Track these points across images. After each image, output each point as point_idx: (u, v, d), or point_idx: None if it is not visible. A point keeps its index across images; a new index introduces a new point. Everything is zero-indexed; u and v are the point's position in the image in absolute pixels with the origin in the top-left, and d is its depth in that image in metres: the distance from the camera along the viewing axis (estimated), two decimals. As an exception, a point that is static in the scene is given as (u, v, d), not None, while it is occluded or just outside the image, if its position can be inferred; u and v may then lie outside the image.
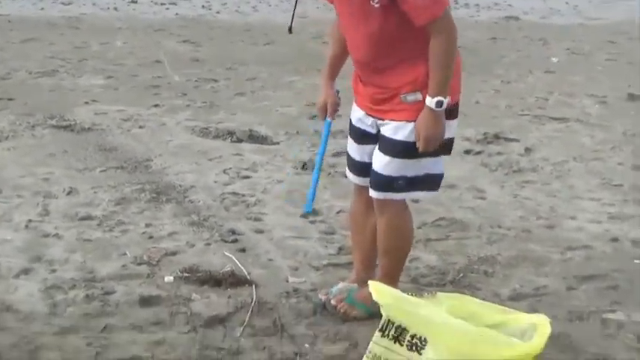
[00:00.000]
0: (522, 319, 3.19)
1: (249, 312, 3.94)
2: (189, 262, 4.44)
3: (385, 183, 3.67)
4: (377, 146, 3.69)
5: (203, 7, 14.16)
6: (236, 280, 4.23)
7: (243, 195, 5.52)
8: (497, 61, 10.27)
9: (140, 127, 7.06)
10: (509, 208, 5.50)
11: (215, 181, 5.77)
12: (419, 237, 4.70)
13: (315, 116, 7.39)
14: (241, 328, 3.80)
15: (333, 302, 3.95)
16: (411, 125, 3.55)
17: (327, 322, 3.88)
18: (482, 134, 6.95)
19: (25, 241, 4.66)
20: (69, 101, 7.80)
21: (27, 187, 5.50)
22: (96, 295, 4.06)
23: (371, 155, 3.75)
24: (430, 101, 3.47)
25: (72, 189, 5.46)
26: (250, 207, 5.32)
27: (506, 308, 3.33)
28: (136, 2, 14.21)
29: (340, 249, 4.68)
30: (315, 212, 5.19)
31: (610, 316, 4.06)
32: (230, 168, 6.06)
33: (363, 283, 3.79)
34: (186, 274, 4.27)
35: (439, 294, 3.25)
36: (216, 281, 4.21)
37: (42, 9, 13.14)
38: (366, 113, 3.74)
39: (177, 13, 13.33)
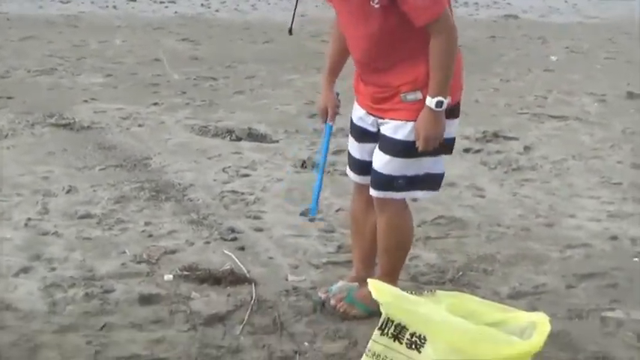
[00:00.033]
0: (522, 317, 3.19)
1: (249, 310, 3.94)
2: (189, 260, 4.43)
3: (385, 182, 3.67)
4: (377, 145, 3.69)
5: (202, 5, 14.17)
6: (235, 279, 4.23)
7: (243, 193, 5.52)
8: (496, 60, 10.28)
9: (139, 125, 7.06)
10: (508, 207, 5.50)
11: (214, 180, 5.77)
12: (418, 235, 4.70)
13: (315, 114, 7.42)
14: (241, 327, 3.80)
15: (332, 302, 3.95)
16: (410, 124, 3.55)
17: (327, 321, 3.88)
18: (481, 133, 6.96)
19: (25, 240, 4.66)
20: (68, 100, 7.80)
21: (26, 185, 5.50)
22: (95, 293, 4.06)
23: (371, 154, 3.75)
24: (430, 101, 3.47)
25: (71, 187, 5.46)
26: (250, 205, 5.32)
27: (506, 306, 3.32)
28: (135, 0, 14.22)
29: (340, 247, 4.68)
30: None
31: (609, 314, 4.06)
32: (229, 166, 6.06)
33: (362, 281, 3.79)
34: (186, 273, 4.27)
35: (438, 292, 3.24)
36: (215, 279, 4.21)
37: (41, 7, 13.15)
38: (367, 112, 3.74)
39: (176, 12, 13.34)
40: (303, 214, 4.34)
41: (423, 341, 3.03)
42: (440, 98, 3.46)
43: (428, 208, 5.17)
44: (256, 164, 6.15)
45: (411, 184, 3.67)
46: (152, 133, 6.86)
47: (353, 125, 3.85)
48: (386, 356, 3.08)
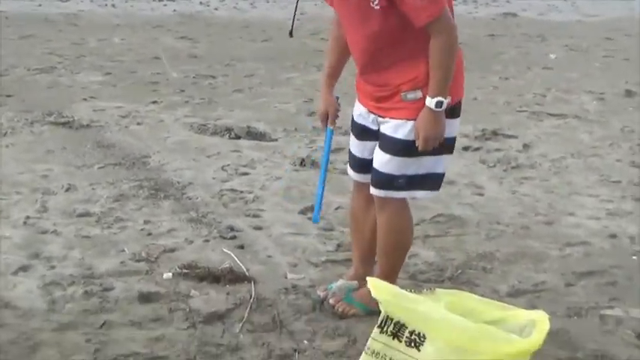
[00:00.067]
0: (521, 315, 3.19)
1: (248, 308, 3.94)
2: (188, 258, 4.43)
3: (386, 181, 3.68)
4: (377, 144, 3.70)
5: (201, 3, 14.17)
6: (235, 277, 4.23)
7: (242, 192, 5.52)
8: (495, 58, 10.28)
9: (138, 123, 7.06)
10: (507, 205, 5.50)
11: (213, 178, 5.77)
12: (417, 233, 4.69)
13: (314, 113, 7.42)
14: (240, 325, 3.80)
15: (331, 301, 3.95)
16: (410, 123, 3.56)
17: (326, 319, 3.88)
18: (480, 130, 6.96)
19: (24, 238, 4.66)
20: (67, 98, 7.80)
21: (25, 183, 5.50)
22: (95, 291, 4.06)
23: (371, 152, 3.75)
24: (430, 101, 3.48)
25: (70, 185, 5.46)
26: (249, 204, 5.32)
27: (505, 304, 3.32)
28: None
29: (339, 245, 4.68)
30: (313, 209, 5.19)
31: (608, 312, 4.07)
32: (228, 165, 6.06)
33: (361, 279, 3.79)
34: (185, 271, 4.27)
35: (438, 290, 3.25)
36: (214, 278, 4.21)
37: (40, 5, 13.14)
38: (368, 110, 3.74)
39: (175, 10, 13.34)
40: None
41: (422, 339, 3.03)
42: (440, 98, 3.46)
43: (427, 206, 5.17)
44: (255, 162, 6.15)
45: (412, 183, 3.67)
46: (151, 131, 6.86)
47: (354, 123, 3.86)
48: (385, 354, 3.08)
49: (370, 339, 3.12)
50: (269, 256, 4.56)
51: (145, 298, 4.01)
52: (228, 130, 6.88)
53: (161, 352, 3.56)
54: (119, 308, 3.92)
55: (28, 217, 4.93)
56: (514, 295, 4.20)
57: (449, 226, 5.08)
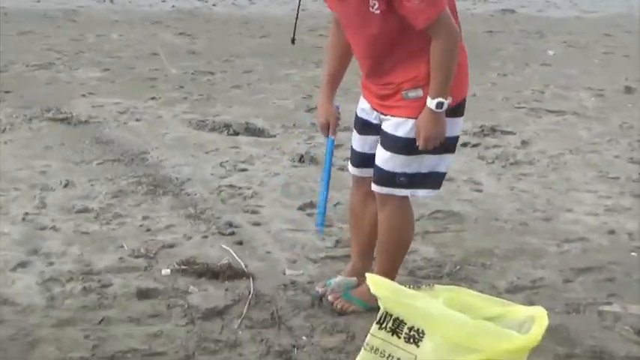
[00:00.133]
0: (520, 311, 3.19)
1: (247, 304, 3.94)
2: (187, 254, 4.44)
3: (387, 178, 3.68)
4: (379, 141, 3.71)
5: (199, -1, 14.16)
6: (233, 273, 4.23)
7: (240, 188, 5.52)
8: (493, 54, 10.28)
9: (137, 119, 7.06)
10: (506, 201, 5.51)
11: (212, 174, 5.77)
12: (416, 229, 4.66)
13: (312, 109, 7.42)
14: (239, 321, 3.80)
15: (330, 298, 3.95)
16: (411, 122, 3.57)
17: (325, 315, 3.88)
18: (478, 127, 6.96)
19: (22, 234, 4.66)
20: (65, 94, 7.79)
21: (24, 179, 5.50)
22: (93, 287, 4.06)
23: (372, 146, 3.78)
24: (430, 102, 3.49)
25: (69, 182, 5.46)
26: (247, 200, 5.32)
27: (504, 301, 3.32)
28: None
29: (337, 242, 4.68)
30: (312, 205, 5.21)
31: (607, 308, 4.07)
32: (227, 161, 6.06)
33: (360, 274, 3.80)
34: (184, 267, 4.27)
35: (437, 286, 3.25)
36: (213, 274, 4.21)
37: (38, 1, 13.11)
38: (372, 107, 3.76)
39: (173, 6, 13.31)
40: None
41: (421, 335, 3.03)
42: (440, 99, 3.48)
43: (426, 203, 5.16)
44: (254, 159, 6.14)
45: (413, 181, 3.68)
46: (149, 127, 6.86)
47: (356, 117, 3.88)
48: (384, 350, 3.08)
49: (369, 335, 3.12)
50: (268, 252, 4.56)
51: (144, 294, 4.02)
52: (227, 126, 6.87)
53: (159, 348, 3.56)
54: (118, 304, 3.92)
55: (26, 214, 4.93)
56: (513, 291, 4.20)
57: (447, 223, 5.08)
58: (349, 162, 4.01)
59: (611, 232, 5.04)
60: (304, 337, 3.69)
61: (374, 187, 3.75)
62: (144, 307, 3.91)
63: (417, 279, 4.25)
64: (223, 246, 4.58)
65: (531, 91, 8.60)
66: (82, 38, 10.48)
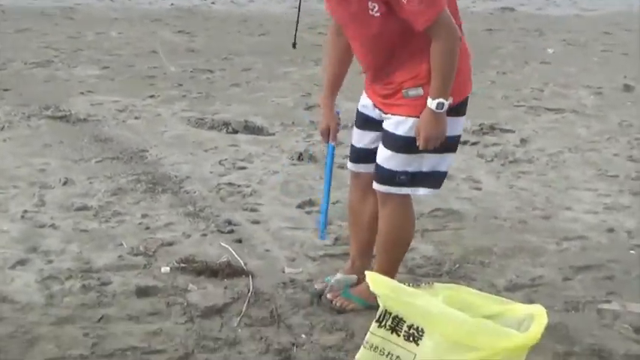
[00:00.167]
0: (519, 309, 3.19)
1: (246, 302, 3.94)
2: (186, 252, 4.43)
3: (387, 176, 3.69)
4: (381, 140, 3.72)
5: (198, -3, 14.14)
6: (232, 271, 4.23)
7: (239, 186, 5.52)
8: (492, 52, 10.28)
9: (136, 117, 7.05)
10: (505, 199, 5.51)
11: (211, 172, 5.77)
12: (415, 227, 4.67)
13: (311, 107, 7.42)
14: (238, 319, 3.80)
15: (328, 296, 3.95)
16: (411, 120, 3.57)
17: (324, 313, 3.88)
18: (478, 125, 6.96)
19: (21, 232, 4.66)
20: (64, 92, 7.79)
21: (23, 177, 5.50)
22: (92, 285, 4.06)
23: (371, 142, 3.80)
24: (431, 102, 3.50)
25: (68, 179, 5.46)
26: (246, 198, 5.32)
27: (503, 299, 3.33)
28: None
29: (336, 239, 4.68)
30: (311, 203, 5.21)
31: (606, 306, 4.07)
32: (226, 159, 6.06)
33: (359, 272, 3.80)
34: (183, 265, 4.27)
35: (436, 284, 3.25)
36: (212, 272, 4.21)
37: (36, -1, 13.11)
38: (374, 105, 3.77)
39: (172, 4, 13.30)
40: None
41: (420, 333, 3.03)
42: (441, 100, 3.48)
43: (425, 201, 5.16)
44: (253, 157, 6.14)
45: (414, 180, 3.68)
46: (148, 125, 6.86)
47: (357, 113, 3.89)
48: (384, 348, 3.09)
49: (369, 333, 3.12)
50: (267, 250, 4.56)
51: (143, 292, 4.02)
52: (226, 124, 6.87)
53: (159, 346, 3.56)
54: (117, 302, 3.92)
55: (25, 211, 4.93)
56: (512, 290, 4.20)
57: (447, 221, 5.08)
58: (348, 160, 4.01)
59: (610, 230, 5.04)
60: (303, 335, 3.69)
61: (375, 186, 3.76)
62: (143, 305, 3.90)
63: (417, 277, 4.25)
64: (222, 244, 4.58)
65: (530, 89, 8.60)
66: (80, 36, 10.48)
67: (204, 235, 4.71)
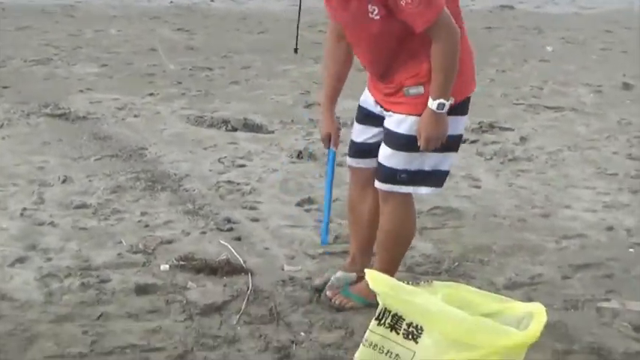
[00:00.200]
0: (518, 307, 3.19)
1: (245, 300, 3.94)
2: (185, 250, 4.44)
3: (389, 175, 3.69)
4: (382, 139, 3.72)
5: (198, -5, 14.12)
6: (232, 269, 4.23)
7: (239, 184, 5.52)
8: (492, 50, 10.27)
9: (135, 115, 7.05)
10: (504, 197, 5.51)
11: (210, 170, 5.77)
12: (415, 226, 4.70)
13: (310, 105, 7.42)
14: (237, 316, 3.80)
15: (328, 294, 3.96)
16: (412, 119, 3.58)
17: (323, 311, 3.88)
18: (477, 123, 6.95)
19: (21, 230, 4.65)
20: (63, 89, 7.78)
21: (22, 175, 5.50)
22: (91, 283, 4.06)
23: (370, 136, 3.81)
24: (432, 103, 3.50)
25: (67, 177, 5.45)
26: (245, 195, 5.32)
27: (502, 297, 3.33)
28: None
29: (336, 237, 4.68)
30: (310, 201, 5.21)
31: (605, 304, 4.08)
32: (225, 157, 6.06)
33: (359, 270, 3.80)
34: (182, 263, 4.27)
35: (435, 282, 3.25)
36: (211, 269, 4.21)
37: (36, -3, 13.10)
38: (375, 101, 3.77)
39: (171, 1, 13.28)
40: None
41: (419, 331, 3.03)
42: (441, 100, 3.49)
43: (424, 199, 5.15)
44: (252, 155, 6.14)
45: (415, 179, 3.68)
46: (148, 123, 6.85)
47: (358, 108, 3.90)
48: (383, 346, 3.09)
49: (368, 331, 3.13)
50: (266, 248, 4.56)
51: (142, 289, 4.02)
52: (225, 122, 6.86)
53: (158, 344, 3.56)
54: (116, 300, 3.92)
55: (24, 209, 4.93)
56: (511, 288, 4.21)
57: (446, 219, 5.08)
58: (347, 155, 4.01)
59: (610, 228, 5.04)
60: (303, 333, 3.69)
61: (377, 184, 3.76)
62: (142, 302, 3.90)
63: (416, 275, 4.25)
64: (222, 242, 4.58)
65: (530, 87, 8.60)
66: (79, 34, 10.47)
67: (204, 232, 4.71)
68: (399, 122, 3.62)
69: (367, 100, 3.83)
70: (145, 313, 3.81)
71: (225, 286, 4.08)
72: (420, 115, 3.55)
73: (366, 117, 3.83)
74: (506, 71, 9.32)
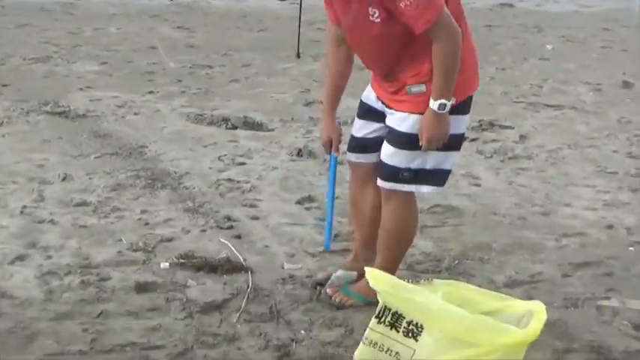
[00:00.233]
0: (518, 305, 3.20)
1: (245, 298, 3.94)
2: (185, 248, 4.43)
3: (391, 173, 3.70)
4: (385, 137, 3.73)
5: (197, -7, 14.11)
6: (232, 267, 4.23)
7: (239, 181, 5.52)
8: (492, 49, 10.27)
9: (135, 113, 7.05)
10: (504, 195, 5.51)
11: (210, 168, 5.77)
12: (415, 224, 4.70)
13: (310, 103, 7.42)
14: (237, 314, 3.80)
15: (328, 291, 3.96)
16: (413, 117, 3.59)
17: (323, 309, 3.88)
18: (477, 121, 6.95)
19: (21, 227, 4.65)
20: (63, 87, 7.78)
21: (22, 173, 5.49)
22: (91, 281, 4.06)
23: (370, 132, 3.82)
24: (433, 103, 3.51)
25: (67, 175, 5.45)
26: (245, 193, 5.32)
27: (502, 295, 3.33)
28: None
29: (336, 235, 4.67)
30: (310, 199, 5.21)
31: (605, 303, 4.08)
32: (225, 154, 6.06)
33: (360, 268, 3.79)
34: (182, 261, 4.27)
35: (435, 281, 3.26)
36: (211, 267, 4.21)
37: (35, -6, 13.09)
38: (377, 97, 3.78)
39: (171, -1, 13.29)
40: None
41: (419, 329, 3.04)
42: (443, 101, 3.49)
43: (424, 197, 5.15)
44: (252, 152, 6.14)
45: (417, 177, 3.69)
46: (148, 121, 6.85)
47: (360, 103, 3.91)
48: (383, 344, 3.10)
49: (368, 329, 3.13)
50: (266, 246, 4.56)
51: (142, 287, 4.02)
52: (225, 120, 6.86)
53: (158, 342, 3.56)
54: (116, 298, 3.92)
55: (24, 207, 4.92)
56: (511, 286, 4.21)
57: (446, 217, 5.08)
58: (347, 150, 4.02)
59: (610, 226, 5.04)
60: (303, 331, 3.69)
61: (379, 183, 3.77)
62: (142, 300, 3.91)
63: (416, 273, 4.25)
64: (222, 240, 4.58)
65: (530, 85, 8.60)
66: (79, 31, 10.46)
67: (204, 230, 4.71)
68: (401, 120, 3.62)
69: (369, 95, 3.84)
70: (145, 311, 3.81)
71: (225, 284, 4.08)
72: (422, 114, 3.55)
73: (367, 112, 3.84)
74: (506, 69, 9.32)
